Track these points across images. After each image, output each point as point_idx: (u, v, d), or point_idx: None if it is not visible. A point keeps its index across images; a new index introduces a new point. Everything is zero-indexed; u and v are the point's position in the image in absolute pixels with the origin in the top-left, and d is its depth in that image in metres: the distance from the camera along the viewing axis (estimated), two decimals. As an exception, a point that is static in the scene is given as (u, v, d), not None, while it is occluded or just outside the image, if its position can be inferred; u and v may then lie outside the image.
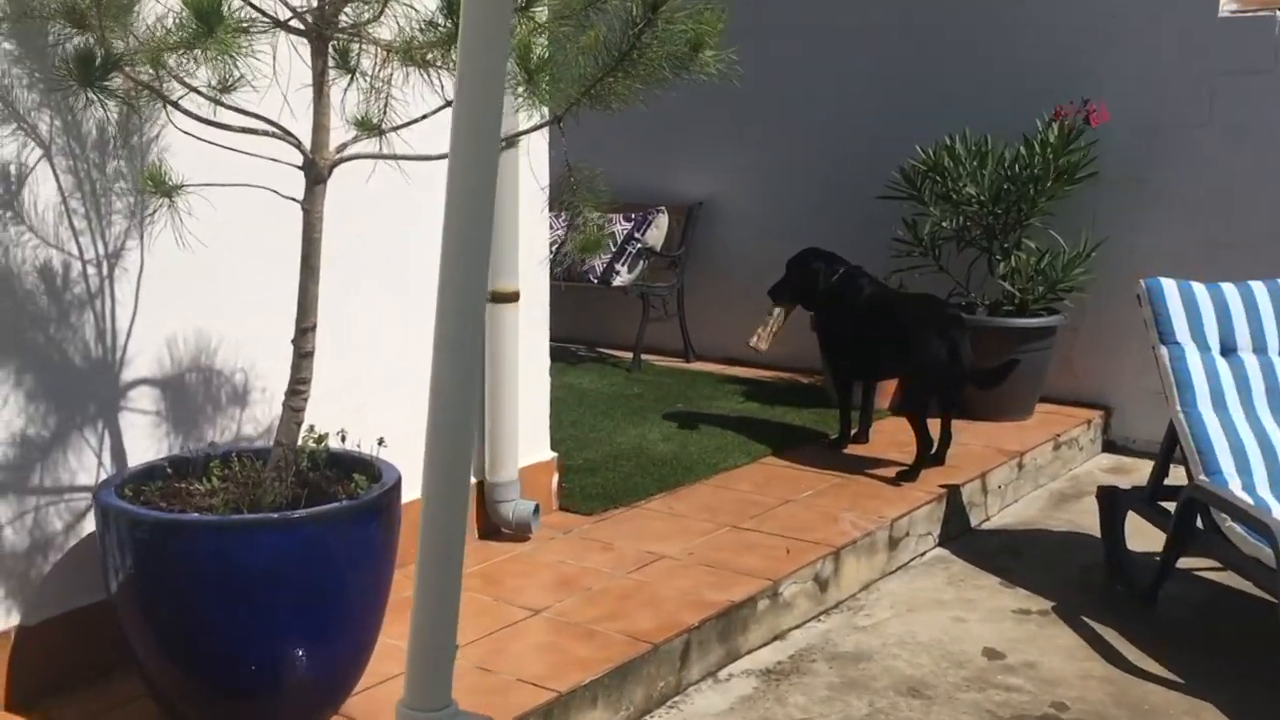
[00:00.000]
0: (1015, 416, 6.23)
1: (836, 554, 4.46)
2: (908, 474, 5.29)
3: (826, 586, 4.42)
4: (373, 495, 3.11)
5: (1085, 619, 4.38)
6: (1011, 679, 3.92)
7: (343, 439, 3.40)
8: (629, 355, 7.29)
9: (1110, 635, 4.25)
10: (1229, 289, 4.63)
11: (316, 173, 3.03)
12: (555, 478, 4.83)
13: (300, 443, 3.23)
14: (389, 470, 3.29)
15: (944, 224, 6.28)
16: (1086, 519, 5.39)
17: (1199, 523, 4.25)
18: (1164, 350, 4.49)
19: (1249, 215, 6.02)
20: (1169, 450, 4.60)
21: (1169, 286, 4.56)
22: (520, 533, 4.49)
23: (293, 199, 3.09)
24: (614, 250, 7.32)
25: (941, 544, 5.10)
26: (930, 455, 5.36)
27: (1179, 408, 4.39)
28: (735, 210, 7.57)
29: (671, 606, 3.92)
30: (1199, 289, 4.59)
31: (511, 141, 3.28)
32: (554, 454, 4.83)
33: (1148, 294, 4.57)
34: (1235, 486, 4.16)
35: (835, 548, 4.47)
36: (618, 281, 7.29)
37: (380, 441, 3.36)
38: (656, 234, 7.39)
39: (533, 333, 4.62)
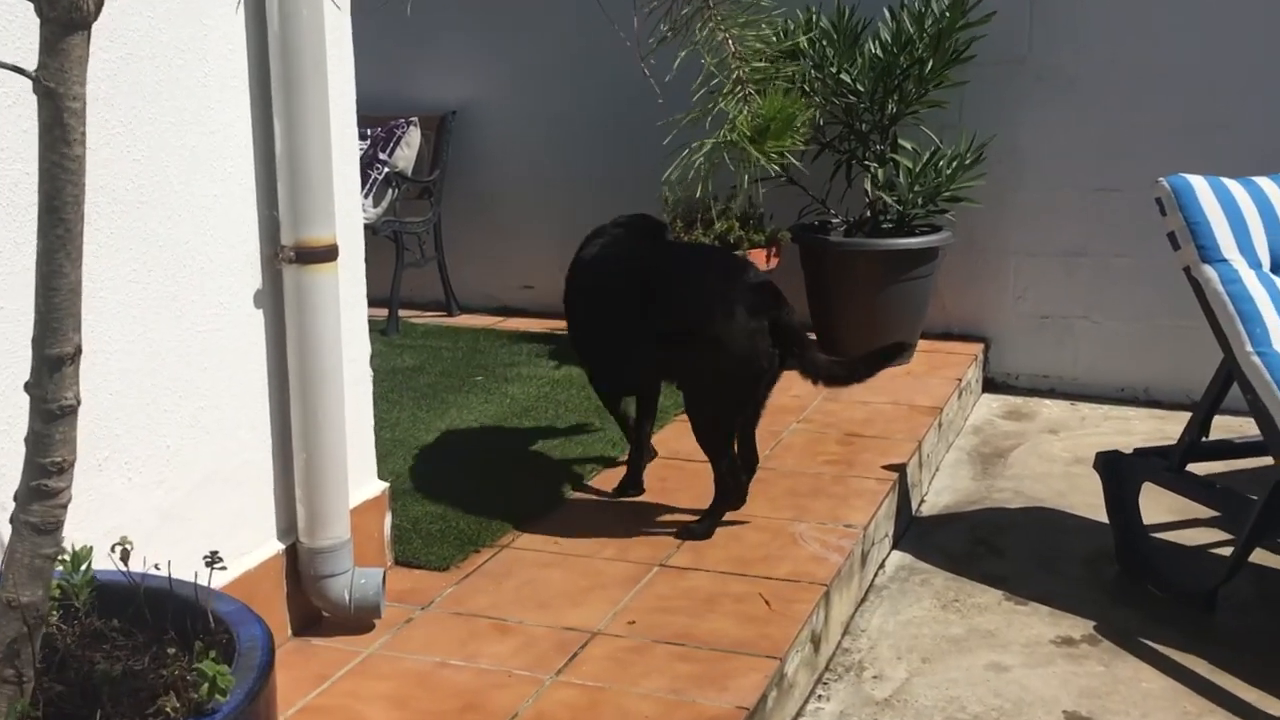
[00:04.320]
0: (897, 360, 5.03)
1: (827, 594, 3.10)
2: (697, 530, 3.43)
3: (820, 643, 3.07)
4: (239, 699, 1.47)
5: (1148, 643, 3.24)
6: (1143, 766, 2.71)
7: (124, 556, 1.72)
8: (381, 314, 5.59)
9: (1200, 666, 3.11)
10: (1266, 184, 3.55)
11: (69, 6, 1.32)
12: (387, 519, 3.21)
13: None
14: (241, 619, 1.65)
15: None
16: (1031, 486, 4.32)
17: None
18: (1210, 271, 3.35)
19: (1154, 102, 5.01)
20: (1214, 403, 3.51)
21: (1199, 185, 3.44)
22: (361, 619, 2.87)
23: (16, 69, 1.37)
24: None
25: (896, 545, 3.84)
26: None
27: (1249, 349, 3.26)
28: (499, 119, 5.96)
29: (661, 734, 2.45)
30: (1234, 186, 3.49)
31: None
32: (384, 484, 3.20)
33: (1174, 197, 3.42)
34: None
35: (823, 584, 3.11)
36: (362, 219, 5.55)
37: (212, 560, 1.70)
38: (407, 154, 5.69)
39: (352, 309, 2.97)
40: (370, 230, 5.45)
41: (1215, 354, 3.40)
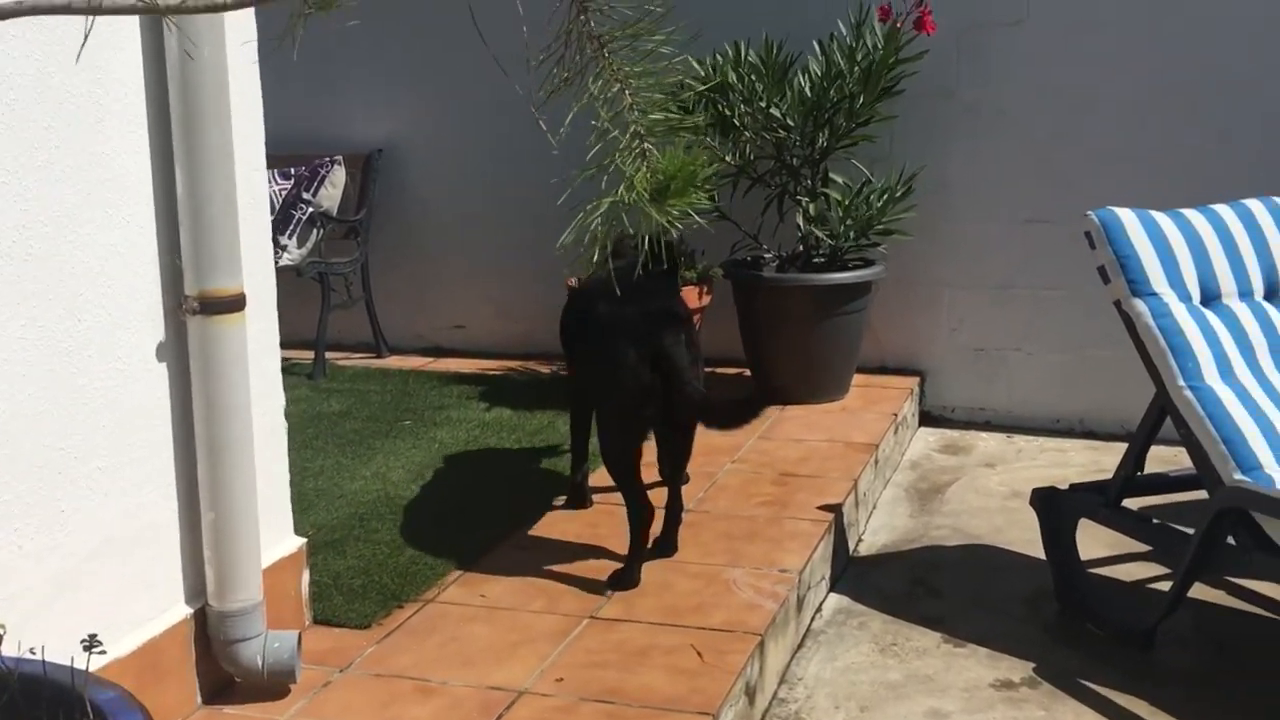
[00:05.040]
0: (832, 396, 5.00)
1: (762, 643, 3.02)
2: (623, 576, 3.31)
3: (755, 695, 2.98)
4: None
5: (1088, 684, 3.18)
6: (1087, 816, 2.64)
7: (-4, 640, 1.60)
8: (307, 357, 5.47)
9: (1140, 707, 3.06)
10: (1194, 216, 3.53)
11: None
12: (305, 576, 3.09)
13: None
14: (119, 708, 1.54)
15: (726, 159, 4.90)
16: (969, 522, 4.27)
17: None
18: (1140, 305, 3.33)
19: (1084, 132, 5.01)
20: (1148, 438, 3.46)
21: (1127, 219, 3.41)
22: (275, 685, 2.74)
23: None
24: (273, 217, 5.47)
25: (834, 588, 3.77)
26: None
27: (1181, 383, 3.23)
28: (427, 157, 5.86)
29: (589, 800, 2.35)
30: (1162, 219, 3.47)
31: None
32: (301, 540, 3.08)
33: (1102, 231, 3.39)
34: (1284, 484, 3.07)
35: (757, 633, 3.03)
36: (286, 260, 5.43)
37: (90, 644, 1.58)
38: (331, 193, 5.58)
39: (264, 359, 2.85)
40: (295, 271, 5.35)
41: (1149, 384, 3.37)
